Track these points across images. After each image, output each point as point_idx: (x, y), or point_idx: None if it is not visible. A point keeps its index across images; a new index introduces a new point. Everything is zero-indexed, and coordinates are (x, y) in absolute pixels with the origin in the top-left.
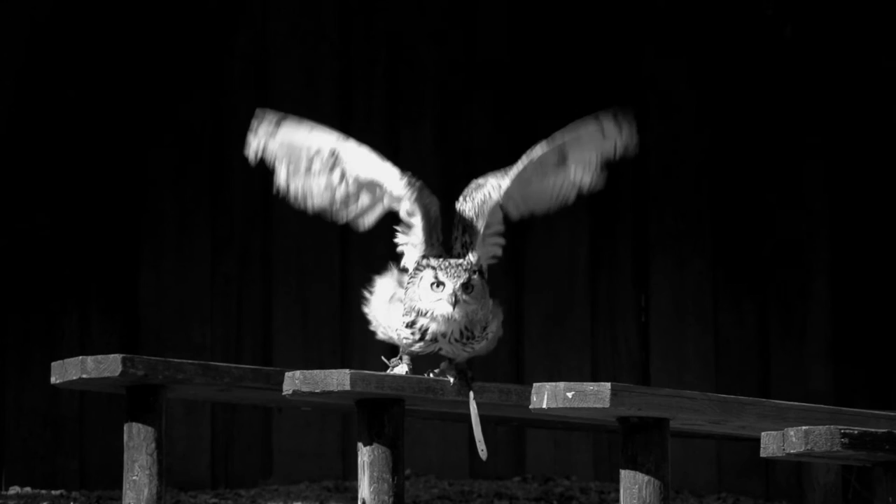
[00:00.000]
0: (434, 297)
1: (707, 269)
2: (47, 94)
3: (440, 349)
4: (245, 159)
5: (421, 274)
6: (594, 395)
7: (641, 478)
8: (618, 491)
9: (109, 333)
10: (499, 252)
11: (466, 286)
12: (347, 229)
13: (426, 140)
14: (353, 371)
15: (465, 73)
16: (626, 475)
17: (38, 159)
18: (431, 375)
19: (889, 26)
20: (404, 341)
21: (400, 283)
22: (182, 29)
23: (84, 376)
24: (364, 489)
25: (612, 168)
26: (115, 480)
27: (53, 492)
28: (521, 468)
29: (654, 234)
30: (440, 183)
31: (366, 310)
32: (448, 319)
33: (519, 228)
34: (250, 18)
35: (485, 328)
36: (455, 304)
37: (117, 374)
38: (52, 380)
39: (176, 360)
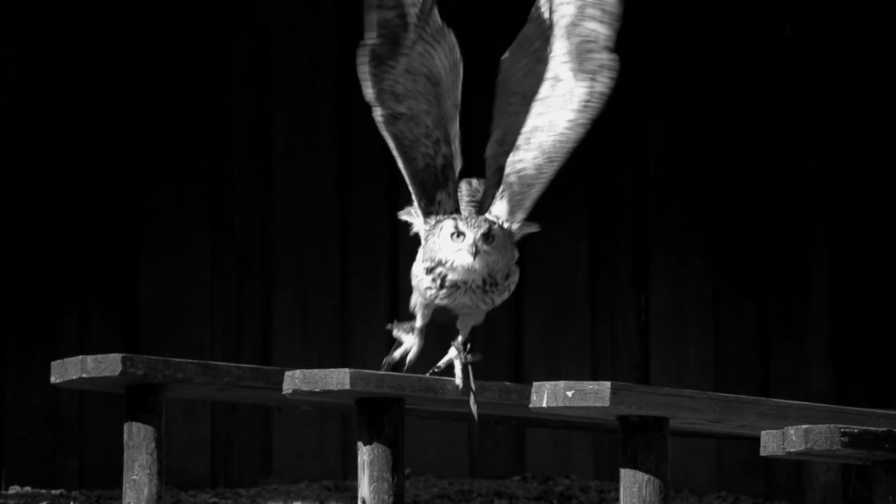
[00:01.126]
0: (454, 247)
1: (707, 268)
2: (47, 94)
3: (463, 304)
4: (244, 159)
5: (441, 224)
6: (594, 394)
7: (641, 477)
8: (618, 490)
9: (109, 333)
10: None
11: (487, 236)
12: (347, 230)
13: None
14: (352, 370)
15: (465, 71)
16: (626, 474)
17: (38, 159)
18: (439, 367)
19: (888, 25)
20: (428, 293)
21: None
22: (182, 29)
23: (84, 376)
24: (364, 488)
25: (613, 168)
26: (114, 480)
27: (53, 491)
28: (520, 467)
29: (654, 234)
30: None
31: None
32: (468, 270)
33: None
34: (250, 18)
35: (507, 276)
36: (475, 254)
37: (117, 373)
38: (52, 379)
39: (176, 359)
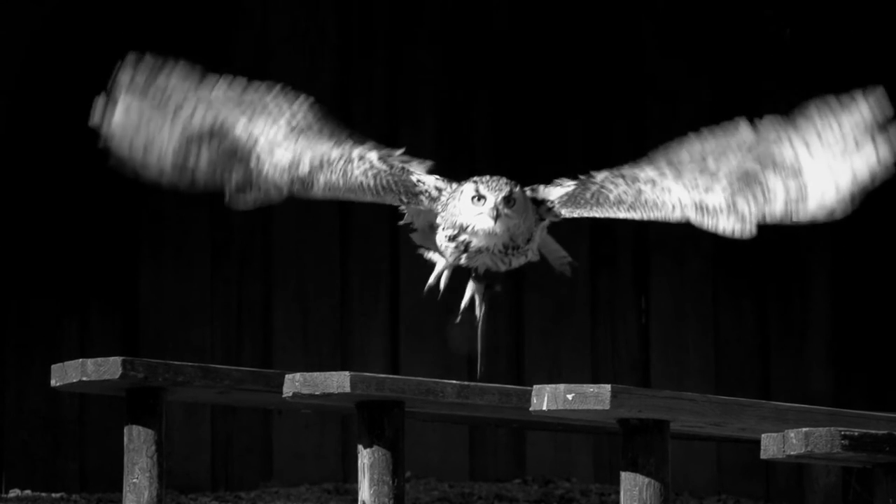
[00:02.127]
0: (475, 210)
1: (707, 269)
2: (47, 95)
3: (484, 263)
4: None
5: (462, 188)
6: (594, 396)
7: (642, 480)
8: (618, 493)
9: (109, 336)
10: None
11: (508, 200)
12: (347, 230)
13: (426, 138)
14: (353, 373)
15: (466, 71)
16: (626, 477)
17: (38, 161)
18: (465, 306)
19: (888, 26)
20: (451, 257)
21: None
22: (182, 29)
23: (84, 379)
24: (364, 491)
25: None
26: (115, 483)
27: (54, 494)
28: (521, 470)
29: (653, 235)
30: None
31: (412, 236)
32: (489, 234)
33: None
34: (250, 18)
35: (528, 240)
36: (496, 218)
37: (117, 376)
38: (52, 382)
39: (176, 362)
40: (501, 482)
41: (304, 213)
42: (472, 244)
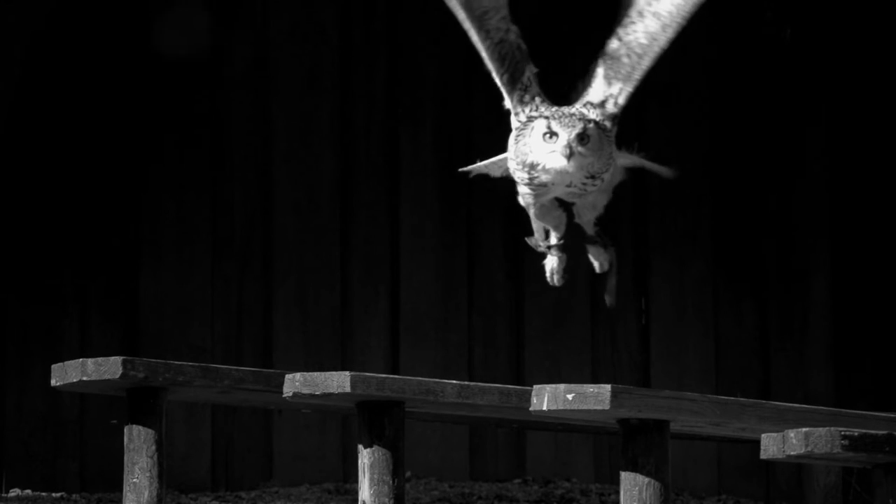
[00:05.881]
0: (547, 148)
1: (707, 270)
2: (47, 96)
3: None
4: (244, 160)
5: (533, 124)
6: (594, 397)
7: (642, 480)
8: (618, 493)
9: (110, 335)
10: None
11: (582, 137)
12: (347, 230)
13: (426, 139)
14: (353, 373)
15: (465, 72)
16: (626, 477)
17: (38, 161)
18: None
19: (888, 28)
20: (527, 196)
21: None
22: (182, 28)
23: (84, 378)
24: (364, 491)
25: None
26: (115, 483)
27: (54, 494)
28: (521, 470)
29: (653, 236)
30: (439, 181)
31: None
32: (561, 173)
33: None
34: (250, 18)
35: (601, 174)
36: (570, 156)
37: (118, 376)
38: (53, 382)
39: (176, 362)
40: (501, 482)
41: (304, 212)
42: (543, 180)
